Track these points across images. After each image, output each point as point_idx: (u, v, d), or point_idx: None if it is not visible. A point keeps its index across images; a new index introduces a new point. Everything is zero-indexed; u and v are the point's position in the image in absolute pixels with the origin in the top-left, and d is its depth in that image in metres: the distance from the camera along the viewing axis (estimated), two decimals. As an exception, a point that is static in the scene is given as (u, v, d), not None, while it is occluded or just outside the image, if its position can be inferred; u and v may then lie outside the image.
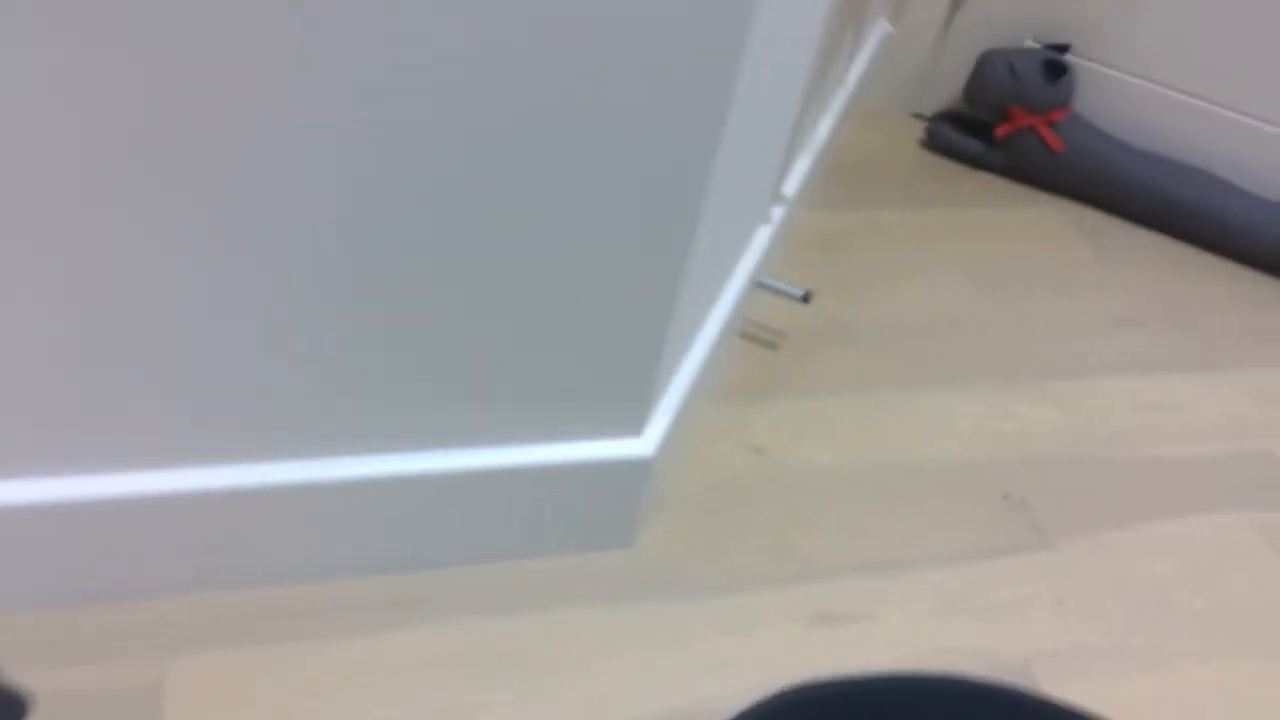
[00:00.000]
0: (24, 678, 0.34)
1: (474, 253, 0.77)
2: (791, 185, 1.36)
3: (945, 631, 1.04)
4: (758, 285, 1.26)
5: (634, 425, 0.96)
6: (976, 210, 1.67)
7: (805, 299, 1.28)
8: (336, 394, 0.83)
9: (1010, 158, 1.71)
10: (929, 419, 1.27)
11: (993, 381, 1.34)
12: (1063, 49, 1.68)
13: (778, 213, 1.31)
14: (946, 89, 1.78)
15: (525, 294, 0.81)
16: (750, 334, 1.30)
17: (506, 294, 0.81)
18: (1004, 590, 1.09)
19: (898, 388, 1.31)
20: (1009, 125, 1.67)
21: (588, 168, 0.73)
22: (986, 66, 1.68)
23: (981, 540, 1.13)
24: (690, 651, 0.96)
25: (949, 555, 1.11)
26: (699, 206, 0.79)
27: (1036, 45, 1.71)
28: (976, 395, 1.32)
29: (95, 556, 0.86)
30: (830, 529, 1.11)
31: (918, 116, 1.80)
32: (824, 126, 1.51)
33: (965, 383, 1.33)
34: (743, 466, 1.16)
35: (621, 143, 0.72)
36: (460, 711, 0.88)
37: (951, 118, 1.75)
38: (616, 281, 0.82)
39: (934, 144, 1.75)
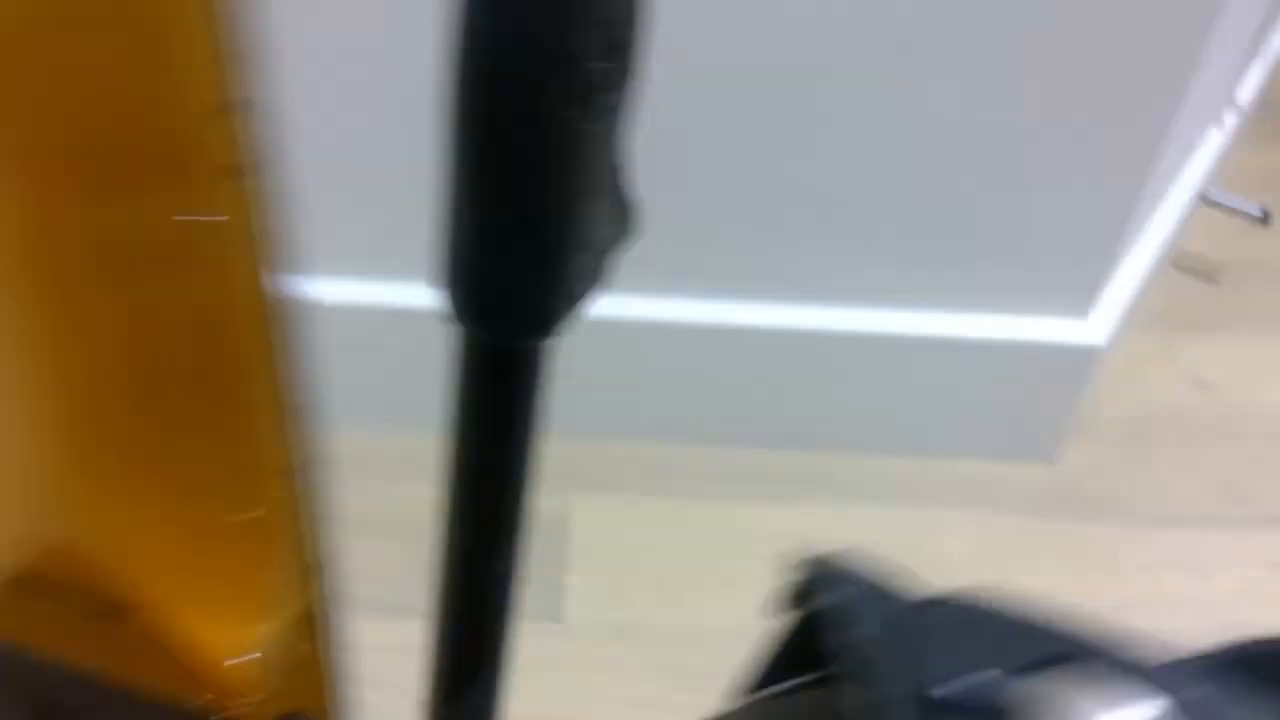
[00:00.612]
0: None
1: (955, 99, 0.75)
2: (1247, 96, 1.16)
3: None
4: (1205, 202, 1.09)
5: (1080, 302, 0.84)
6: None
7: (1264, 218, 1.09)
8: (776, 237, 0.81)
9: None
10: None
11: None
12: None
13: (1229, 124, 1.12)
14: None
15: (995, 133, 0.76)
16: (1189, 263, 1.13)
17: (972, 131, 0.76)
18: None
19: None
20: None
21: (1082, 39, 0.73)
22: None
23: None
24: (1121, 581, 0.83)
25: None
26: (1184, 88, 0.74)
27: None
28: None
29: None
30: (1298, 477, 0.92)
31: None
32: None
33: None
34: (1183, 399, 0.99)
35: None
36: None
37: None
38: (1092, 143, 0.77)
39: None
